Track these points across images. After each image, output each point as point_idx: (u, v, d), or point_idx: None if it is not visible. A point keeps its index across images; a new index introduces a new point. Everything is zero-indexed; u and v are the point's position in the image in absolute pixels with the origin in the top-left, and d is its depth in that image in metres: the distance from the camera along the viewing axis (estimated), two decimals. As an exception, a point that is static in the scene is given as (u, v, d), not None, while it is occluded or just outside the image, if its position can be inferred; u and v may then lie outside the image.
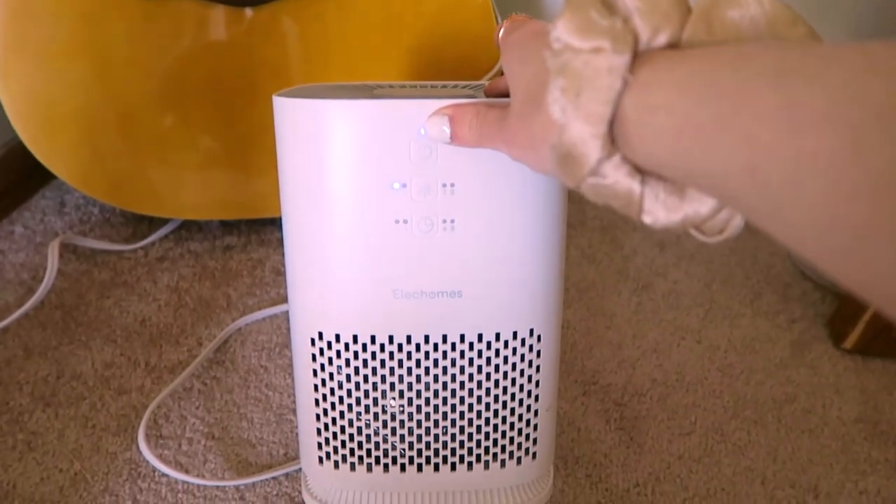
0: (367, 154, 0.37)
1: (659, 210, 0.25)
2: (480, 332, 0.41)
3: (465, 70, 0.72)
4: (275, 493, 0.54)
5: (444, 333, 0.41)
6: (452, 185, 0.37)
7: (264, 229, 0.78)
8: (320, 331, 0.41)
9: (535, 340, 0.42)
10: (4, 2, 0.59)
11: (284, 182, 0.39)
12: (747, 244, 0.83)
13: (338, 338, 0.41)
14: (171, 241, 0.75)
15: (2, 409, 0.58)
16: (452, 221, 0.38)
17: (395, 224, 0.38)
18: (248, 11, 0.65)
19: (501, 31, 0.33)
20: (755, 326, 0.72)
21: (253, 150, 0.70)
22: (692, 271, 0.79)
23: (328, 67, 0.69)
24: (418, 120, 0.35)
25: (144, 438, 0.56)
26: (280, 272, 0.73)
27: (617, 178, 0.24)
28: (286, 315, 0.66)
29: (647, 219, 0.25)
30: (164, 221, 0.76)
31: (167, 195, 0.70)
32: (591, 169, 0.24)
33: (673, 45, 0.23)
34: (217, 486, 0.54)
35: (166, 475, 0.54)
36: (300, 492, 0.54)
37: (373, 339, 0.41)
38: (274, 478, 0.55)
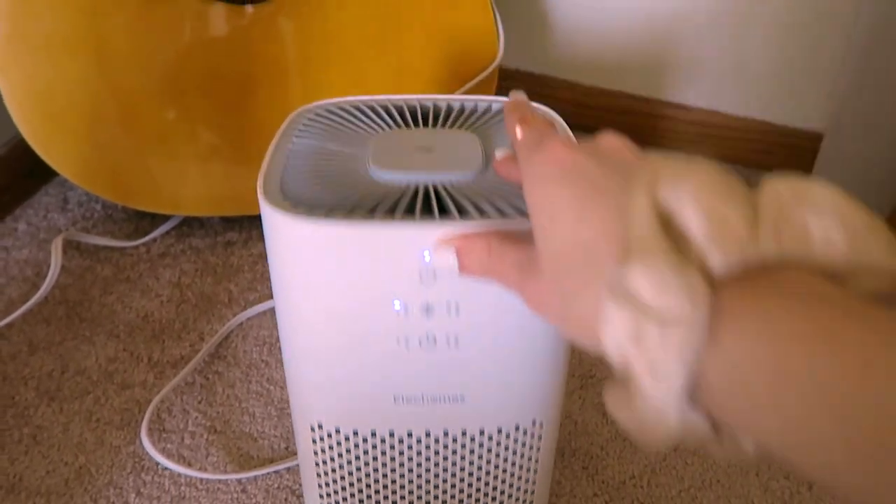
0: (366, 277, 0.34)
1: (716, 450, 0.23)
2: (482, 427, 0.40)
3: (462, 64, 0.73)
4: (276, 486, 0.55)
5: (446, 429, 0.40)
6: (457, 305, 0.34)
7: (265, 225, 0.78)
8: (319, 422, 0.40)
9: (538, 428, 0.41)
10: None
11: (277, 290, 0.37)
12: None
13: (337, 430, 0.40)
14: (173, 237, 0.76)
15: (7, 403, 0.59)
16: (456, 339, 0.36)
17: (396, 343, 0.36)
18: (249, 8, 0.65)
19: (518, 132, 0.29)
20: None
21: (254, 144, 0.71)
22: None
23: (327, 62, 0.69)
24: (421, 244, 0.32)
25: (147, 432, 0.57)
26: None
27: (682, 419, 0.22)
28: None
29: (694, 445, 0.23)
30: (166, 217, 0.77)
31: (169, 191, 0.71)
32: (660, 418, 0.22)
33: (745, 262, 0.21)
34: (219, 480, 0.55)
35: (169, 469, 0.55)
36: (301, 485, 0.55)
37: (373, 433, 0.40)
38: (276, 471, 0.56)
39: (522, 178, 0.27)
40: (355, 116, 0.41)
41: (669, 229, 0.21)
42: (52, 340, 0.65)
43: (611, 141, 0.27)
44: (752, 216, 0.21)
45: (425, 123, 0.41)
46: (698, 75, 0.93)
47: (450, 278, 0.33)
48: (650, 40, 0.92)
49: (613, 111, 0.96)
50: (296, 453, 0.57)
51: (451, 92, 0.73)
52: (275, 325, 0.68)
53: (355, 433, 0.40)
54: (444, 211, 0.33)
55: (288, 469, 0.56)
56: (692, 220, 0.21)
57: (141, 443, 0.57)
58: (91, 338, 0.65)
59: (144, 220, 0.77)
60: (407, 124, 0.40)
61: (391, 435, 0.40)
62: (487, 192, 0.34)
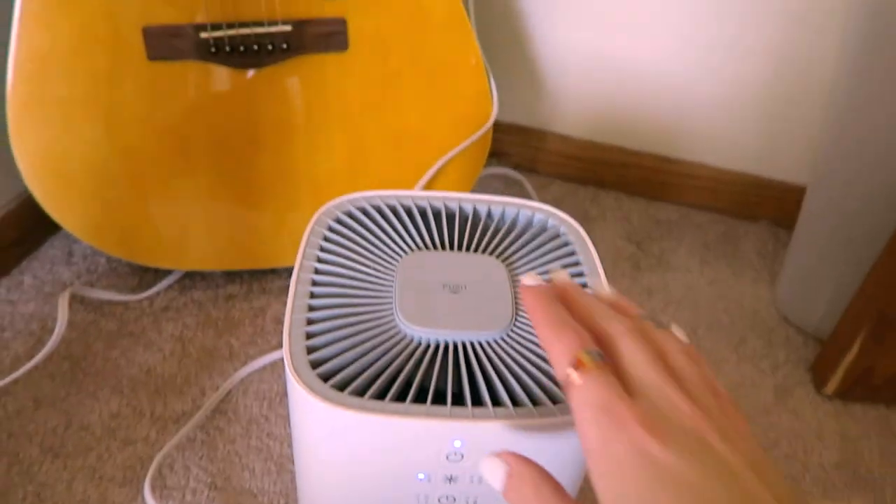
0: (393, 455, 0.35)
1: None
2: None
3: (458, 125, 0.76)
4: (276, 543, 0.56)
5: None
6: (481, 477, 0.35)
7: (265, 278, 0.80)
8: None
9: None
10: (19, 62, 0.62)
11: (297, 442, 0.39)
12: (733, 290, 0.86)
13: None
14: (176, 290, 0.78)
15: (12, 460, 0.60)
16: (476, 500, 0.37)
17: (415, 500, 0.37)
18: (251, 72, 0.68)
19: (574, 378, 0.25)
20: (740, 371, 0.74)
21: (257, 202, 0.73)
22: (679, 316, 0.81)
23: (328, 124, 0.72)
24: (450, 436, 0.33)
25: (150, 489, 0.58)
26: (280, 321, 0.76)
27: None
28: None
29: None
30: (169, 271, 0.78)
31: (173, 247, 0.73)
32: None
33: None
34: (220, 537, 0.56)
35: (171, 526, 0.56)
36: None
37: None
38: (275, 528, 0.57)
39: (584, 450, 0.24)
40: (381, 228, 0.42)
41: None
42: (57, 396, 0.66)
43: (691, 411, 0.24)
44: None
45: (451, 242, 0.42)
46: (687, 129, 0.96)
47: (475, 457, 0.34)
48: (640, 95, 0.95)
49: (604, 164, 0.99)
50: (295, 510, 0.58)
51: (447, 150, 0.76)
52: (275, 380, 0.70)
53: None
54: (472, 377, 0.34)
55: (287, 526, 0.57)
56: None
57: (143, 500, 0.58)
58: (95, 393, 0.67)
59: (148, 274, 0.79)
60: (434, 243, 0.42)
61: None
62: (517, 352, 0.36)
